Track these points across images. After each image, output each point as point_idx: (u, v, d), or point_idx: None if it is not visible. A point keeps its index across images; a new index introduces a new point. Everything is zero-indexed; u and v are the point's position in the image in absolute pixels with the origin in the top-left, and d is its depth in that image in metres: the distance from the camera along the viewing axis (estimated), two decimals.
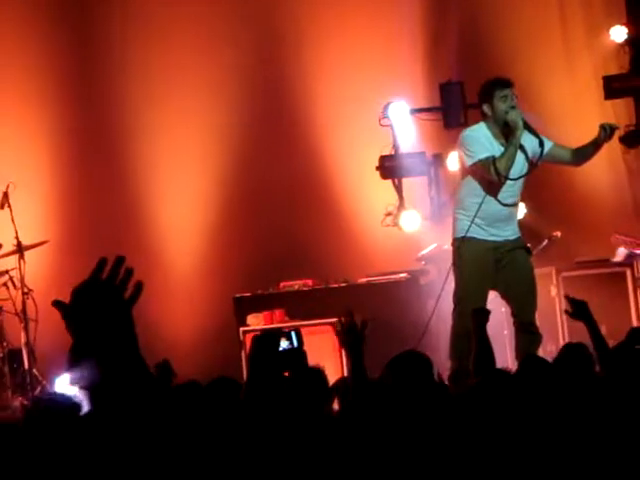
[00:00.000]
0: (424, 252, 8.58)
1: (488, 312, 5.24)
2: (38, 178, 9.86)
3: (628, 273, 8.49)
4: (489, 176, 6.27)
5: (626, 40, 9.45)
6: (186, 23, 9.93)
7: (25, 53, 9.87)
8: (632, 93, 9.46)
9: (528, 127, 6.32)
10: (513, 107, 6.28)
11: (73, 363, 2.20)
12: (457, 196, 6.60)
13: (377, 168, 8.58)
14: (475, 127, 6.54)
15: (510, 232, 6.49)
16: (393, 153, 8.59)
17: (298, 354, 3.63)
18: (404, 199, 8.59)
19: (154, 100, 9.92)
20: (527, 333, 6.37)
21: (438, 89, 8.74)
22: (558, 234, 8.68)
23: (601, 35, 9.67)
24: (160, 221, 9.96)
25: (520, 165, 6.36)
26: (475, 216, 6.28)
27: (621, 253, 8.78)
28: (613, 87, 9.23)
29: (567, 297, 5.00)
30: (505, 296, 6.55)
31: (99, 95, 9.99)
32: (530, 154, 6.40)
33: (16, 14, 9.87)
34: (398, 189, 8.64)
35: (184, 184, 9.93)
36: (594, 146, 6.43)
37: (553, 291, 8.63)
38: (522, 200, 8.49)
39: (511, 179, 6.28)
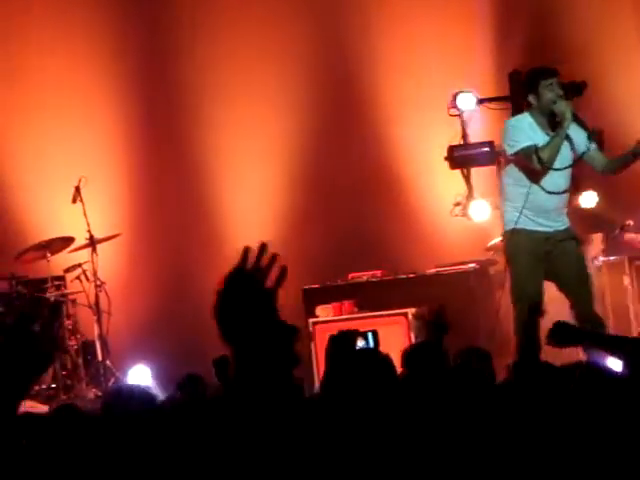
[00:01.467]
0: (493, 242, 8.52)
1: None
2: (109, 172, 9.97)
3: None
4: (532, 165, 6.23)
5: None
6: (255, 15, 9.96)
7: (94, 47, 9.98)
8: None
9: (578, 119, 6.26)
10: (560, 96, 6.22)
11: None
12: (502, 188, 6.57)
13: (445, 158, 8.54)
14: (519, 117, 6.53)
15: (560, 223, 6.45)
16: (462, 143, 8.54)
17: (374, 354, 3.64)
18: (473, 189, 8.54)
19: (222, 92, 9.98)
20: (588, 323, 6.31)
21: (507, 78, 8.66)
22: (631, 223, 8.58)
23: None
24: (228, 213, 10.02)
25: (565, 155, 6.31)
26: (523, 207, 6.24)
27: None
28: None
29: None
30: (560, 289, 6.50)
31: (169, 87, 10.07)
32: (576, 146, 6.34)
33: (84, 8, 9.98)
34: (467, 179, 8.58)
35: (252, 175, 9.98)
36: (631, 158, 6.35)
37: (626, 280, 8.54)
38: (593, 189, 8.45)
39: (555, 169, 6.22)
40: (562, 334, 4.42)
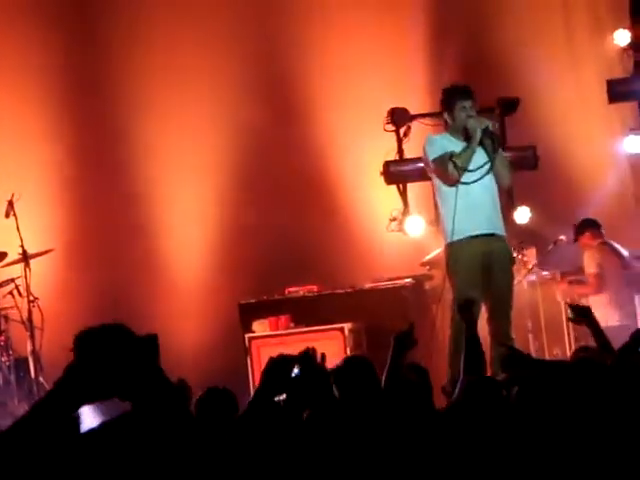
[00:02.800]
0: (429, 257, 8.57)
1: (472, 302, 5.26)
2: (43, 188, 9.87)
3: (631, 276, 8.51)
4: (447, 172, 6.45)
5: (630, 44, 9.45)
6: (191, 27, 9.93)
7: (27, 60, 9.88)
8: (635, 97, 9.46)
9: (494, 137, 6.50)
10: (471, 115, 6.54)
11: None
12: (437, 196, 6.70)
13: (381, 173, 8.59)
14: (437, 135, 6.87)
15: (496, 226, 6.54)
16: (397, 158, 8.60)
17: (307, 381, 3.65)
18: (409, 204, 8.59)
19: (158, 108, 9.92)
20: (502, 342, 6.39)
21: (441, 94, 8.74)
22: (563, 238, 8.68)
23: (605, 39, 9.68)
24: (164, 227, 9.96)
25: (480, 159, 6.48)
26: (455, 211, 6.37)
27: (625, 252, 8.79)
28: (617, 91, 9.23)
29: (569, 304, 5.02)
30: (485, 301, 6.57)
31: (104, 102, 9.99)
32: (489, 156, 6.51)
33: (17, 17, 9.87)
34: (402, 194, 8.64)
35: (187, 189, 9.93)
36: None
37: (559, 295, 8.64)
38: (526, 204, 8.54)
39: (469, 170, 6.43)
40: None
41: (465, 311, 4.92)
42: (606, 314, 7.95)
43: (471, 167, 6.47)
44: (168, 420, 2.22)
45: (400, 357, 4.45)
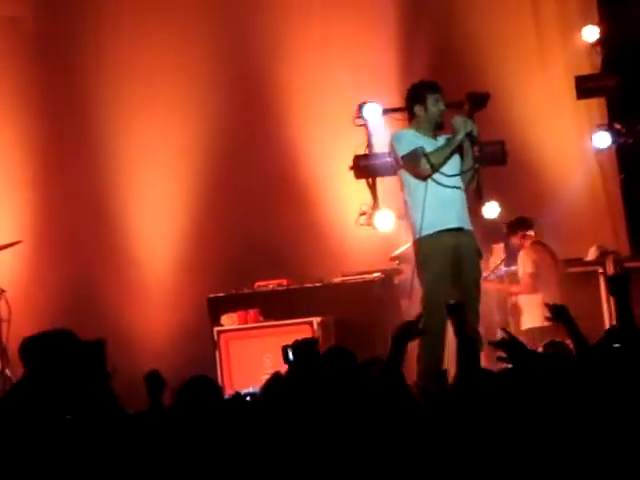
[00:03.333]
0: (398, 251, 8.59)
1: (462, 305, 5.27)
2: (11, 180, 9.82)
3: (600, 272, 8.55)
4: (419, 168, 6.45)
5: (598, 40, 9.50)
6: (159, 25, 9.90)
7: None
8: (604, 93, 9.51)
9: (473, 139, 6.48)
10: (442, 110, 6.54)
11: None
12: (404, 191, 6.69)
13: (351, 168, 8.60)
14: (403, 129, 6.84)
15: (464, 221, 6.56)
16: (367, 153, 8.60)
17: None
18: (378, 199, 8.60)
19: (126, 106, 9.88)
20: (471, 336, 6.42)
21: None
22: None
23: (574, 35, 9.72)
24: (134, 222, 9.93)
25: (454, 162, 6.51)
26: (424, 206, 6.37)
27: (593, 252, 8.84)
28: (585, 87, 9.29)
29: (546, 304, 5.03)
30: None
31: (72, 100, 9.94)
32: (465, 160, 6.53)
33: None
34: (372, 189, 8.65)
35: (158, 184, 9.91)
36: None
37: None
38: (495, 200, 8.58)
39: (447, 175, 6.43)
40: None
41: (454, 312, 4.91)
42: (540, 314, 7.98)
43: (447, 172, 6.46)
44: (104, 425, 2.22)
45: (404, 348, 4.43)
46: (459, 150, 6.50)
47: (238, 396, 3.89)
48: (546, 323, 8.01)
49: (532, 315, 8.26)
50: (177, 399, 3.90)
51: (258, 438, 3.38)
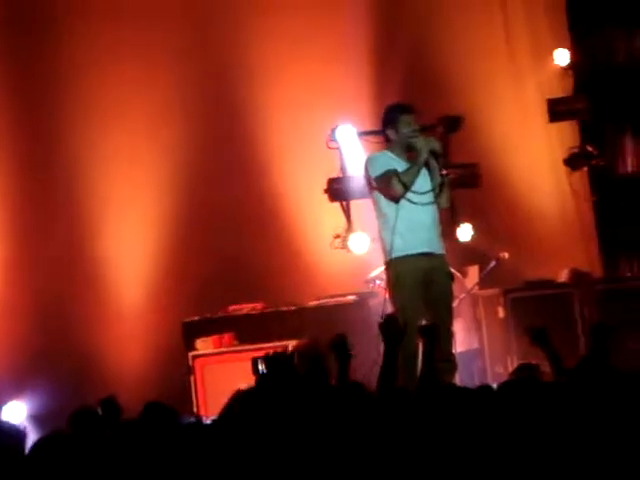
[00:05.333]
0: (373, 274, 8.60)
1: (437, 327, 5.28)
2: None
3: (574, 294, 8.58)
4: (391, 188, 6.48)
5: (569, 64, 9.58)
6: (128, 41, 9.87)
7: None
8: (576, 116, 9.59)
9: (437, 156, 6.53)
10: (416, 131, 6.58)
11: None
12: (377, 214, 6.72)
13: (325, 191, 8.61)
14: (378, 152, 6.89)
15: (436, 246, 6.58)
16: (341, 176, 8.62)
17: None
18: (352, 221, 8.62)
19: (100, 127, 9.85)
20: (442, 362, 6.44)
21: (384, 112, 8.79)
22: (505, 255, 8.75)
23: (546, 59, 9.80)
24: (107, 244, 9.88)
25: (424, 180, 6.54)
26: (395, 229, 6.40)
27: (565, 274, 8.88)
28: (557, 110, 9.36)
29: (527, 328, 5.04)
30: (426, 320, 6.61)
31: (44, 120, 9.90)
32: (433, 177, 6.56)
33: None
34: (346, 211, 8.67)
35: (132, 206, 9.87)
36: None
37: (501, 312, 8.69)
38: (469, 221, 8.61)
39: (414, 192, 6.47)
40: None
41: (426, 334, 4.91)
42: (465, 338, 7.98)
43: (419, 189, 6.51)
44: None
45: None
46: (427, 167, 6.55)
47: (197, 421, 3.86)
48: (474, 346, 8.14)
49: (458, 340, 8.29)
50: (130, 428, 3.86)
51: (215, 463, 3.35)
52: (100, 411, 4.24)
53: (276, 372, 3.89)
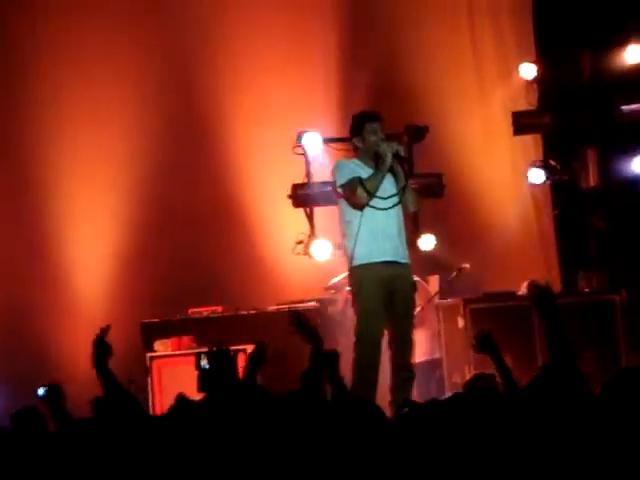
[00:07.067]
0: (333, 281, 8.61)
1: (337, 355, 5.12)
2: None
3: (533, 307, 8.61)
4: (356, 195, 6.49)
5: (535, 77, 9.65)
6: (96, 42, 9.83)
7: None
8: (540, 129, 9.66)
9: (402, 161, 6.56)
10: (382, 139, 6.60)
11: None
12: (340, 226, 6.73)
13: (289, 196, 8.61)
14: (346, 159, 6.93)
15: (399, 255, 6.59)
16: (305, 182, 8.63)
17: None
18: (315, 228, 8.62)
19: (63, 126, 9.80)
20: (402, 371, 6.46)
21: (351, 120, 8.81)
22: (467, 266, 8.79)
23: (511, 72, 9.87)
24: (66, 245, 9.82)
25: (390, 186, 6.55)
26: (357, 236, 6.41)
27: (525, 287, 8.92)
28: (522, 123, 9.42)
29: (473, 334, 5.05)
30: (387, 327, 6.62)
31: (8, 118, 9.84)
32: (398, 183, 6.57)
33: None
34: (309, 217, 8.67)
35: (92, 207, 9.82)
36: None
37: (460, 323, 8.72)
38: (431, 232, 8.64)
39: (381, 197, 6.48)
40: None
41: (327, 362, 4.84)
42: (429, 348, 8.01)
43: (382, 194, 6.52)
44: None
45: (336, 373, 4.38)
46: (391, 172, 6.56)
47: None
48: (437, 355, 8.18)
49: (422, 350, 8.32)
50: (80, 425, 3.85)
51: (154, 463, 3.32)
52: (44, 394, 4.23)
53: (218, 369, 3.86)
